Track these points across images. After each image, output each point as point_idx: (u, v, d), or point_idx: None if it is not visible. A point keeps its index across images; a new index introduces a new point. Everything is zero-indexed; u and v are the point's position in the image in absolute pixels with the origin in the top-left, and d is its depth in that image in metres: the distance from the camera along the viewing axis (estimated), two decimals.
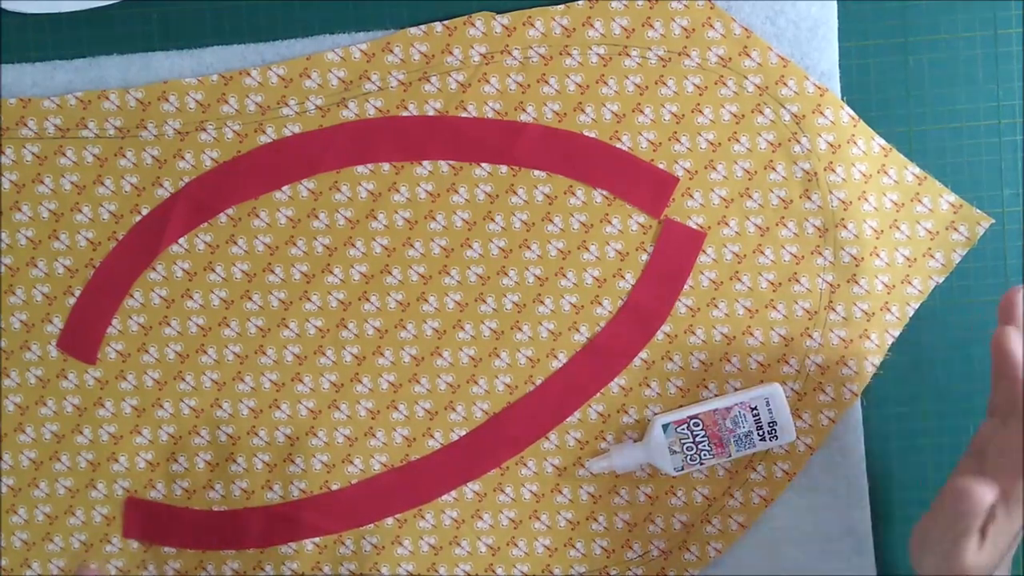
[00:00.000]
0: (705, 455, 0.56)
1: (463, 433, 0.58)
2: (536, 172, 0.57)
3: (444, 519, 0.58)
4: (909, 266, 0.56)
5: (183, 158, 0.57)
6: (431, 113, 0.57)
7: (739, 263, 0.56)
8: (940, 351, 0.57)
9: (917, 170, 0.56)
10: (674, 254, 0.57)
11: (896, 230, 0.56)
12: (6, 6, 0.57)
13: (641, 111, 0.56)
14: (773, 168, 0.56)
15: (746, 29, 0.56)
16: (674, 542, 0.57)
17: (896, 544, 0.58)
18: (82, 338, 0.57)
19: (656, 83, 0.56)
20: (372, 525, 0.58)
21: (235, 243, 0.57)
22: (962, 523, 0.43)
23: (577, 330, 0.57)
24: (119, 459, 0.58)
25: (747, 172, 0.56)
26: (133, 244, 0.57)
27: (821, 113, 0.56)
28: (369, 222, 0.57)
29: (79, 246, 0.57)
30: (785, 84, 0.56)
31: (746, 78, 0.56)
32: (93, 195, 0.57)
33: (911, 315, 0.56)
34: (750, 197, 0.56)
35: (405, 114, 0.57)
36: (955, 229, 0.56)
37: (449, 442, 0.58)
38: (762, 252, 0.56)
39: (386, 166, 0.57)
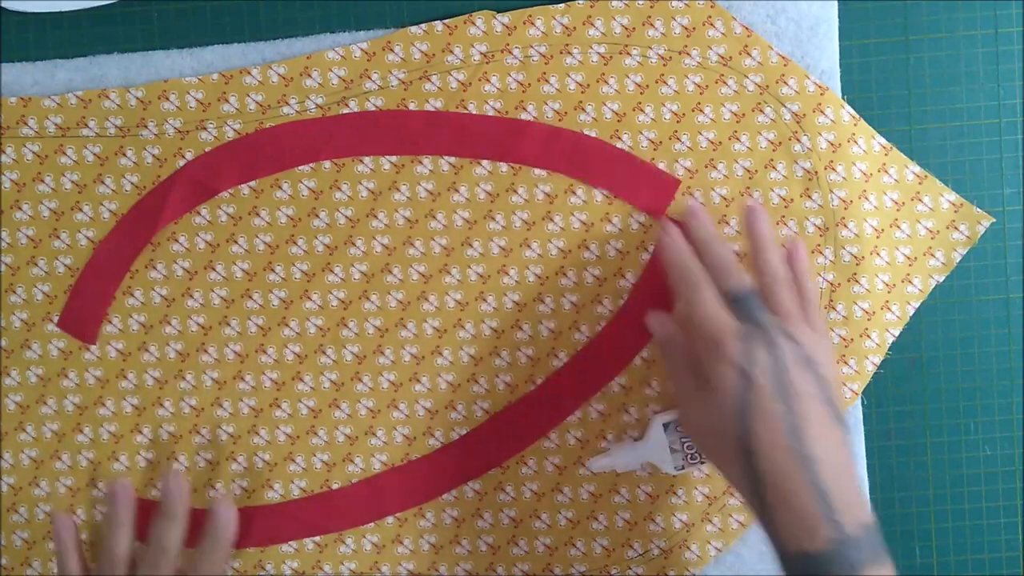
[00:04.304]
0: None
1: (464, 432, 0.58)
2: (537, 171, 0.57)
3: (445, 518, 0.58)
4: (910, 265, 0.56)
5: (184, 157, 0.57)
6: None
7: (740, 262, 0.56)
8: (940, 350, 0.58)
9: (918, 169, 0.56)
10: None
11: (897, 229, 0.56)
12: (6, 5, 0.57)
13: (642, 110, 0.56)
14: (774, 167, 0.56)
15: (747, 28, 0.56)
16: (674, 541, 0.57)
17: (897, 543, 0.58)
18: (83, 317, 0.57)
19: (657, 82, 0.56)
20: (373, 524, 0.58)
21: (235, 242, 0.57)
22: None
23: (578, 329, 0.57)
24: (120, 458, 0.58)
25: (747, 171, 0.56)
26: (133, 220, 0.57)
27: (822, 112, 0.56)
28: (369, 221, 0.57)
29: (80, 245, 0.57)
30: (786, 83, 0.56)
31: (747, 77, 0.56)
32: (94, 194, 0.57)
33: (911, 314, 0.56)
34: (751, 196, 0.56)
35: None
36: (956, 228, 0.56)
37: (450, 441, 0.58)
38: None
39: (386, 165, 0.57)
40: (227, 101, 0.57)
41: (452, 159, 0.57)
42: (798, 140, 0.56)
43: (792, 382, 0.47)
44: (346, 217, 0.57)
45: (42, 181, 0.57)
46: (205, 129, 0.57)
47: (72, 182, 0.57)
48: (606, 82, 0.56)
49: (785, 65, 0.56)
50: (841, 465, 0.47)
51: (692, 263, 0.51)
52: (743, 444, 0.47)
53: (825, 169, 0.56)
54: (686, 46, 0.56)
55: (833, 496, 0.45)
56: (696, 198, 0.56)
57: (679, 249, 0.52)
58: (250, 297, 0.57)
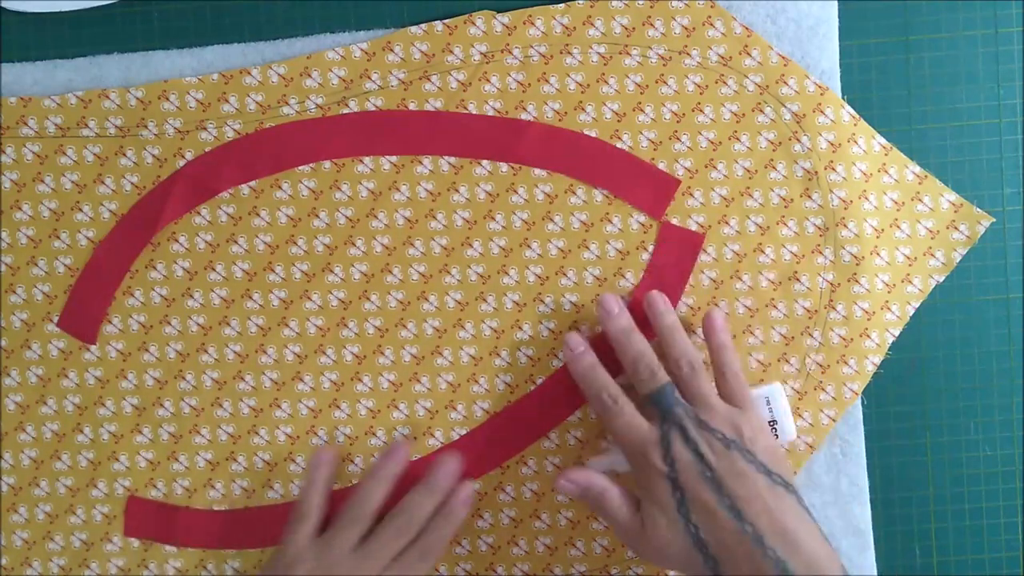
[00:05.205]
0: None
1: (464, 432, 0.58)
2: (537, 171, 0.57)
3: None
4: (910, 265, 0.56)
5: (184, 157, 0.57)
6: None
7: (739, 262, 0.56)
8: (940, 350, 0.58)
9: (918, 169, 0.56)
10: (674, 256, 0.56)
11: (897, 229, 0.56)
12: (6, 5, 0.57)
13: (642, 110, 0.56)
14: (774, 167, 0.56)
15: (747, 28, 0.56)
16: None
17: (897, 543, 0.58)
18: (83, 317, 0.57)
19: (657, 82, 0.56)
20: None
21: (236, 242, 0.57)
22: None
23: (577, 329, 0.57)
24: (120, 458, 0.58)
25: (747, 171, 0.56)
26: (133, 220, 0.57)
27: (822, 112, 0.56)
28: (370, 221, 0.57)
29: (80, 245, 0.57)
30: (786, 83, 0.56)
31: (747, 77, 0.56)
32: (94, 194, 0.57)
33: (911, 314, 0.56)
34: (751, 196, 0.56)
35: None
36: (956, 228, 0.56)
37: (449, 441, 0.58)
38: (762, 251, 0.56)
39: (387, 165, 0.57)
40: (227, 101, 0.57)
41: (452, 159, 0.57)
42: (798, 140, 0.56)
43: (716, 469, 0.49)
44: (346, 217, 0.57)
45: (42, 181, 0.57)
46: (205, 129, 0.57)
47: (72, 182, 0.57)
48: (606, 82, 0.56)
49: (785, 65, 0.56)
50: (792, 530, 0.47)
51: (602, 379, 0.53)
52: (694, 539, 0.48)
53: (825, 169, 0.56)
54: (686, 46, 0.56)
55: (791, 563, 0.46)
56: (617, 299, 0.54)
57: (587, 365, 0.54)
58: (250, 297, 0.57)
